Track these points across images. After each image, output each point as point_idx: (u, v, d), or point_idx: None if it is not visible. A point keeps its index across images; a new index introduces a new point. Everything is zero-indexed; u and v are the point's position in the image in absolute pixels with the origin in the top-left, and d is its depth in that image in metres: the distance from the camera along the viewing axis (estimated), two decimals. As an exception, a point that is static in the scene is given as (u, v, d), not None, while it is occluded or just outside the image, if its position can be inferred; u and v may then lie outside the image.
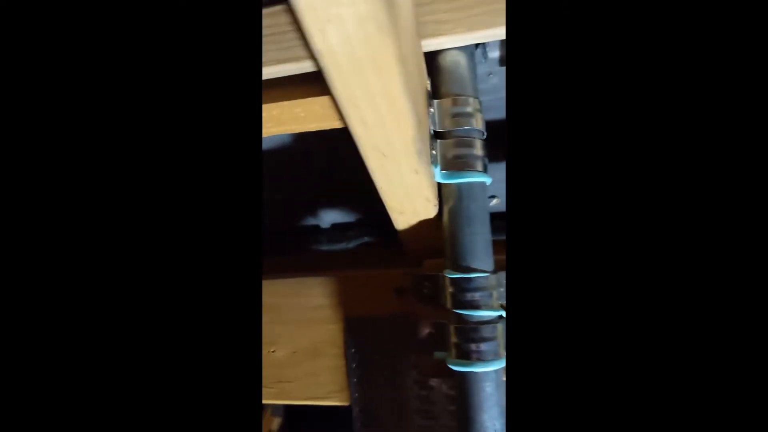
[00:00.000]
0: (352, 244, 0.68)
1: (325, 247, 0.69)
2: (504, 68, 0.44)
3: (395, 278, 0.49)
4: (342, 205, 0.68)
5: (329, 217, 0.70)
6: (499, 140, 0.53)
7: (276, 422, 1.12)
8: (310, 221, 0.71)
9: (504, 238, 0.59)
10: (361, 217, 0.68)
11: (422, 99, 0.35)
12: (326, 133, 0.47)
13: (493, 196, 0.61)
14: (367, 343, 0.49)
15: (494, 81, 0.46)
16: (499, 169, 0.57)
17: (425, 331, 0.44)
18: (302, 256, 0.69)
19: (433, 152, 0.38)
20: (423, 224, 0.43)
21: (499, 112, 0.50)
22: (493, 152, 0.55)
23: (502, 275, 0.41)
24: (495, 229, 0.60)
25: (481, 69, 0.44)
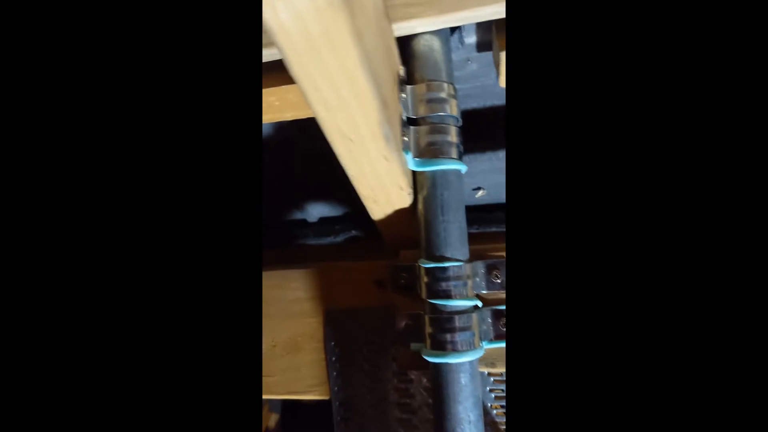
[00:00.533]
0: (339, 238, 0.68)
1: (312, 241, 0.68)
2: (481, 54, 0.43)
3: (375, 270, 0.48)
4: (329, 199, 0.67)
5: (316, 211, 0.69)
6: (481, 129, 0.52)
7: (273, 418, 1.11)
8: (297, 215, 0.70)
9: (488, 229, 0.58)
10: (349, 211, 0.68)
11: (390, 82, 0.34)
12: (307, 124, 0.46)
13: (478, 188, 0.60)
14: (346, 336, 0.48)
15: (473, 68, 0.45)
16: (483, 160, 0.56)
17: (403, 322, 0.43)
18: (288, 249, 0.68)
19: (406, 139, 0.37)
20: (399, 213, 0.42)
21: (479, 100, 0.49)
22: (475, 142, 0.54)
23: (477, 264, 0.40)
24: (480, 220, 0.59)
25: (459, 55, 0.43)
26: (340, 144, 0.33)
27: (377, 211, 0.42)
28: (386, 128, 0.32)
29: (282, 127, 0.59)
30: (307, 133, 0.58)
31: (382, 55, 0.32)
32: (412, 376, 0.47)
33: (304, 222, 0.70)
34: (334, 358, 0.48)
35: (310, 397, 0.49)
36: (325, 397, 0.49)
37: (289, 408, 1.13)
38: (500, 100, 0.49)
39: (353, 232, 0.67)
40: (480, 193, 0.60)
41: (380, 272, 0.48)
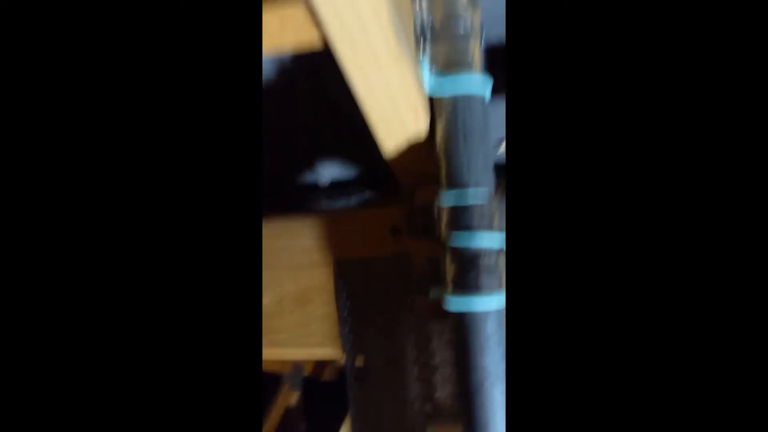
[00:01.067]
0: (352, 200, 0.64)
1: (324, 204, 0.65)
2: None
3: (390, 217, 0.45)
4: (341, 159, 0.64)
5: (328, 173, 0.66)
6: (503, 66, 0.47)
7: (294, 396, 1.09)
8: (308, 178, 0.67)
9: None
10: (362, 172, 0.64)
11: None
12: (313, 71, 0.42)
13: (501, 141, 0.56)
14: (359, 289, 0.45)
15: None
16: (507, 105, 0.52)
17: (421, 270, 0.39)
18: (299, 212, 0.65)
19: (423, 57, 0.33)
20: (415, 149, 0.38)
21: (503, 28, 0.44)
22: (497, 81, 0.50)
23: (503, 201, 0.36)
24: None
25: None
26: (350, 60, 0.29)
27: (390, 143, 0.38)
28: (402, 38, 0.28)
29: (293, 78, 0.56)
30: (315, 77, 0.54)
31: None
32: (432, 333, 0.43)
33: (315, 186, 0.67)
34: (346, 313, 0.45)
35: (321, 353, 0.46)
36: (337, 355, 0.46)
37: (310, 385, 1.11)
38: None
39: (367, 194, 0.63)
40: (503, 146, 0.56)
41: (395, 218, 0.44)
